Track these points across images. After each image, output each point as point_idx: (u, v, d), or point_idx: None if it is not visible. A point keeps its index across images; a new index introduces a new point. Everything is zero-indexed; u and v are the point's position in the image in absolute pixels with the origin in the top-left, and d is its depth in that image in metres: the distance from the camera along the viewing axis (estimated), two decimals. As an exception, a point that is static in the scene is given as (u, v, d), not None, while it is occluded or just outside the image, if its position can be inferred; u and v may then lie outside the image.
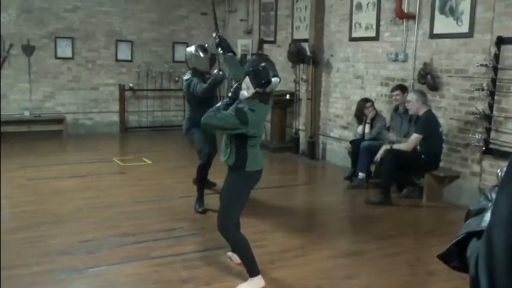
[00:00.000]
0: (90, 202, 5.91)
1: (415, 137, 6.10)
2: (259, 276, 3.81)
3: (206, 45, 6.14)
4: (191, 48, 5.86)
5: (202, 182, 5.83)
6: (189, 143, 6.09)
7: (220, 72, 5.38)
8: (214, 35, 4.77)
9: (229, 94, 3.81)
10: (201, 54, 5.71)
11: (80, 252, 4.45)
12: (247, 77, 3.68)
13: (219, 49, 4.64)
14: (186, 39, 11.60)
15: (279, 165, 8.57)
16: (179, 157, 8.82)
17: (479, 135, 5.96)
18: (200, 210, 5.63)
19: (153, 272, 4.09)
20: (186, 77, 5.71)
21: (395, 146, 6.27)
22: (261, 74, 3.65)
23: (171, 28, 11.48)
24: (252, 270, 3.79)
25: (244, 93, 3.69)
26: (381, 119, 7.01)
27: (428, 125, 6.08)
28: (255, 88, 3.65)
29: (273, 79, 3.68)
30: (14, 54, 10.01)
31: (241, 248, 3.85)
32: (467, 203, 6.12)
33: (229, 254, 4.31)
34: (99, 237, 4.79)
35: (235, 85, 3.83)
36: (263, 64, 3.71)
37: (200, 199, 5.75)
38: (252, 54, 10.63)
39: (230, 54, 4.60)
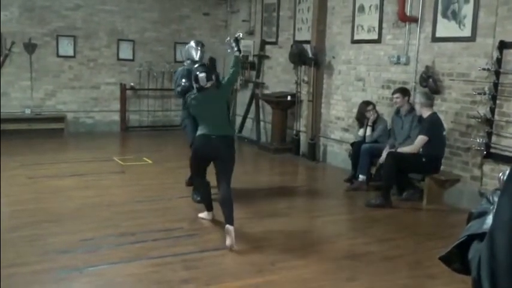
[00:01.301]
0: (90, 201, 5.90)
1: (420, 139, 6.08)
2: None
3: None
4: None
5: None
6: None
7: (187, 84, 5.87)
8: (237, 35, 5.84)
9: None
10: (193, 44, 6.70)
11: (79, 251, 4.44)
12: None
13: (235, 47, 5.68)
14: (188, 39, 11.54)
15: (280, 166, 8.57)
16: (179, 157, 8.78)
17: (481, 139, 5.95)
18: (198, 199, 5.80)
19: (153, 272, 4.09)
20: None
21: (400, 149, 6.26)
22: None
23: (173, 28, 11.48)
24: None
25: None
26: (382, 122, 7.00)
27: (433, 127, 6.09)
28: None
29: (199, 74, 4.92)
30: (15, 52, 10.01)
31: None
32: (467, 207, 6.11)
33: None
34: (99, 236, 4.79)
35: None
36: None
37: (197, 189, 5.90)
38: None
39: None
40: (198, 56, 6.50)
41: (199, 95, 5.00)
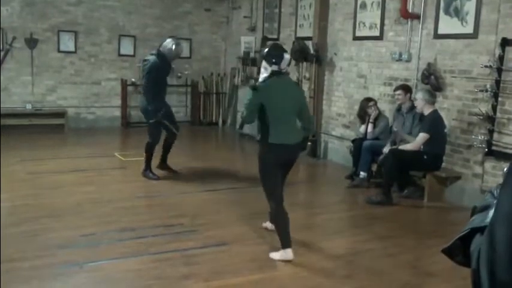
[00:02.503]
0: (91, 197, 5.90)
1: (422, 136, 6.07)
2: (290, 249, 4.24)
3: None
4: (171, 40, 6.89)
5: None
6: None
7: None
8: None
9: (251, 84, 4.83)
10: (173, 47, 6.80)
11: (80, 246, 4.44)
12: (263, 61, 4.34)
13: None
14: (189, 35, 11.59)
15: (280, 163, 8.54)
16: (180, 152, 8.79)
17: (482, 137, 5.94)
18: (155, 177, 6.60)
19: (153, 267, 4.08)
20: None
21: (401, 147, 6.25)
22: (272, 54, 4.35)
23: (174, 24, 11.46)
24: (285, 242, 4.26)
25: (264, 73, 4.33)
26: (383, 119, 6.98)
27: (434, 124, 6.08)
28: (270, 66, 4.28)
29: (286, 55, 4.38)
30: (17, 47, 10.00)
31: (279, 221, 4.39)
32: (468, 204, 6.10)
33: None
34: (99, 232, 4.78)
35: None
36: (270, 47, 4.50)
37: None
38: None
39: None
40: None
41: (277, 80, 4.30)
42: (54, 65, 10.47)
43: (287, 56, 4.36)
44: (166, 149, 7.13)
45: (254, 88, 4.26)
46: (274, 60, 4.27)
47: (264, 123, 4.26)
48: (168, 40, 6.93)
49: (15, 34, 9.93)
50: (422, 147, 6.13)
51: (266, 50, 4.41)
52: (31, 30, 10.11)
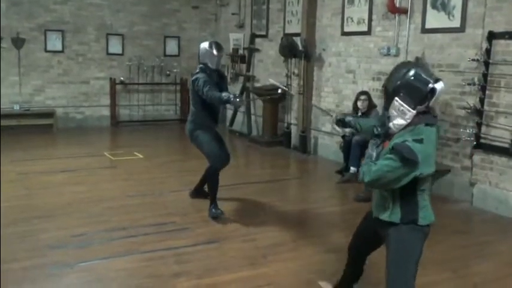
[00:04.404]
0: (81, 196, 5.87)
1: None
2: None
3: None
4: (206, 44, 5.41)
5: (216, 186, 5.39)
6: (196, 146, 5.54)
7: (238, 100, 5.03)
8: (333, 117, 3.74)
9: (376, 131, 2.83)
10: (214, 52, 5.28)
11: (71, 246, 4.42)
12: (396, 99, 2.72)
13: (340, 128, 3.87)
14: (178, 33, 11.56)
15: (271, 159, 8.57)
16: (170, 151, 8.79)
17: (471, 130, 5.98)
18: (219, 212, 5.27)
19: (145, 266, 4.08)
20: (195, 72, 5.36)
21: None
22: (417, 85, 2.68)
23: (163, 21, 11.42)
24: None
25: (400, 121, 2.72)
26: (374, 113, 6.96)
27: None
28: (414, 108, 2.69)
29: (437, 85, 2.68)
30: (3, 47, 9.91)
31: None
32: (458, 197, 6.16)
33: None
34: (90, 232, 4.77)
35: (381, 116, 2.96)
36: (413, 71, 2.72)
37: (215, 203, 5.34)
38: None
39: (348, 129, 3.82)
40: (219, 64, 5.44)
41: (434, 132, 2.79)
42: (41, 64, 10.40)
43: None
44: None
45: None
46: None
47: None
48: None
49: (2, 34, 9.83)
50: None
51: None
52: (17, 29, 10.03)
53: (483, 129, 5.92)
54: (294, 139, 9.06)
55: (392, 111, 2.74)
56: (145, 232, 4.80)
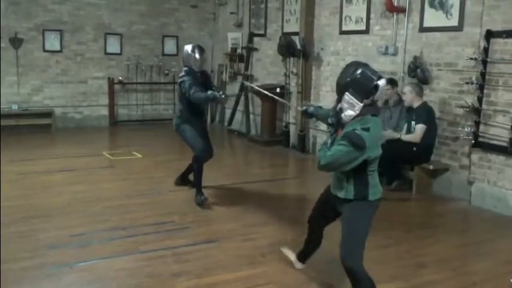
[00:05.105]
0: (80, 196, 5.88)
1: (420, 128, 6.07)
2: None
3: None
4: (189, 47, 5.84)
5: (200, 174, 5.80)
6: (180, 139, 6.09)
7: (223, 96, 5.45)
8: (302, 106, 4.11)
9: (330, 121, 3.27)
10: (197, 56, 5.73)
11: (70, 246, 4.43)
12: (346, 93, 3.12)
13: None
14: (176, 32, 11.56)
15: (270, 158, 8.58)
16: (169, 151, 8.79)
17: (469, 129, 5.99)
18: (203, 198, 5.67)
19: (144, 265, 4.09)
20: (180, 74, 5.81)
21: (403, 137, 6.23)
22: (363, 81, 3.08)
23: (161, 21, 11.42)
24: None
25: (350, 112, 3.12)
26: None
27: (429, 115, 6.13)
28: (362, 101, 3.08)
29: (380, 82, 3.09)
30: (1, 47, 9.89)
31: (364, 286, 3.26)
32: (456, 196, 6.17)
33: (290, 256, 4.09)
34: (89, 231, 4.77)
35: (333, 108, 3.31)
36: (359, 70, 3.13)
37: (200, 191, 5.74)
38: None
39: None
40: (202, 66, 5.85)
41: (377, 121, 3.22)
42: (40, 64, 10.38)
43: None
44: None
45: None
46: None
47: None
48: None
49: (0, 34, 9.82)
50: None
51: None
52: (16, 29, 10.02)
53: (481, 127, 5.93)
54: (293, 138, 9.07)
55: (344, 104, 3.15)
56: (145, 232, 4.80)
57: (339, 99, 3.20)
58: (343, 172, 3.19)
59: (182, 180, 6.35)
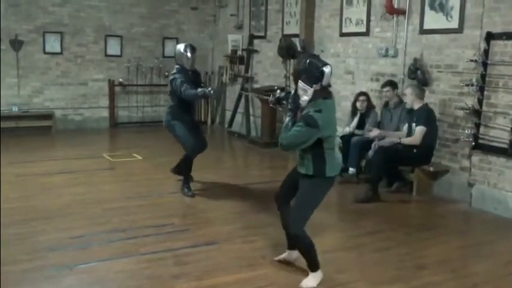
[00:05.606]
0: (80, 198, 5.87)
1: (420, 130, 6.06)
2: (320, 270, 3.84)
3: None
4: (181, 46, 6.13)
5: (188, 172, 6.23)
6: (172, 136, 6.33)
7: (212, 92, 5.75)
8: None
9: (289, 107, 3.73)
10: (189, 55, 6.02)
11: (70, 248, 4.42)
12: (299, 81, 3.59)
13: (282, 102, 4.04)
14: (177, 34, 11.56)
15: (270, 160, 8.58)
16: (169, 153, 8.75)
17: (469, 131, 5.99)
18: (190, 194, 6.00)
19: (144, 268, 4.08)
20: (172, 72, 6.08)
21: (403, 141, 6.21)
22: (311, 69, 3.59)
23: (161, 23, 11.42)
24: (314, 266, 3.82)
25: (304, 97, 3.60)
26: (372, 113, 6.96)
27: (429, 117, 6.12)
28: (312, 87, 3.56)
29: (325, 68, 3.59)
30: (2, 49, 9.90)
31: (308, 245, 3.80)
32: (456, 198, 6.17)
33: (283, 256, 4.21)
34: (89, 233, 4.76)
35: (291, 95, 3.76)
36: (308, 60, 3.65)
37: (187, 185, 6.09)
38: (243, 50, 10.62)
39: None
40: (193, 65, 6.15)
41: (331, 103, 3.72)
42: (40, 66, 10.39)
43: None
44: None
45: None
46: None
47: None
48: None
49: (1, 36, 9.83)
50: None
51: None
52: (16, 31, 10.02)
53: (481, 129, 5.93)
54: (293, 140, 9.06)
55: (300, 91, 3.61)
56: (145, 234, 4.79)
57: (296, 88, 3.64)
58: (303, 150, 3.65)
59: (179, 171, 6.49)
